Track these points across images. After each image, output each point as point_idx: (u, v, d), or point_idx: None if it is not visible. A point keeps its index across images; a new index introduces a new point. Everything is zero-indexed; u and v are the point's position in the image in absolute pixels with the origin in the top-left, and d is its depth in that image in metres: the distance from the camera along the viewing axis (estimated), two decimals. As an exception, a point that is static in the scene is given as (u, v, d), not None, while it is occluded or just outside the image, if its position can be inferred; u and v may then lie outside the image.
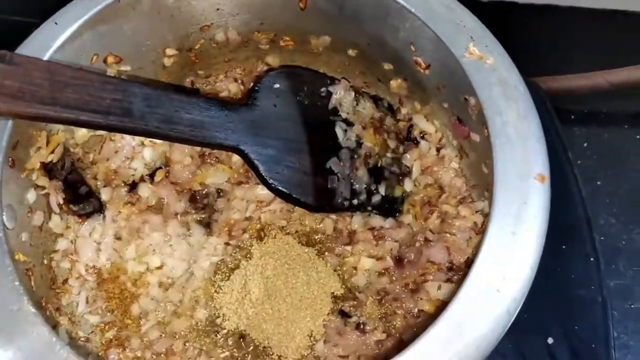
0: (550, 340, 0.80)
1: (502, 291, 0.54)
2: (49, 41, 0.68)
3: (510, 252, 0.55)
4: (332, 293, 0.77)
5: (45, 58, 0.67)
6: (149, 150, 0.86)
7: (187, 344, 0.75)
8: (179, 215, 0.83)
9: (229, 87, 0.90)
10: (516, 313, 0.53)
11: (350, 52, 0.85)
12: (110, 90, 0.64)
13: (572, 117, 1.09)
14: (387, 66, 0.83)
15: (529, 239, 0.56)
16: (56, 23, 0.68)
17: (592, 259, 0.87)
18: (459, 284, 0.66)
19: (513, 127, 0.60)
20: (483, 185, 0.76)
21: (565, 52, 1.10)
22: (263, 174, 0.72)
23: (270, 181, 0.73)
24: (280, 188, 0.73)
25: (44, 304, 0.69)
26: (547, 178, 0.57)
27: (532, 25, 1.09)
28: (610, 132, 1.08)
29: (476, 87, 0.63)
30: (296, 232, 0.83)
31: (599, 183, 1.03)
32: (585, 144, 1.06)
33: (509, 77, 0.63)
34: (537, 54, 1.02)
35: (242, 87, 0.90)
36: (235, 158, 0.85)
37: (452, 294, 0.65)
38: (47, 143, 0.73)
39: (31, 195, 0.72)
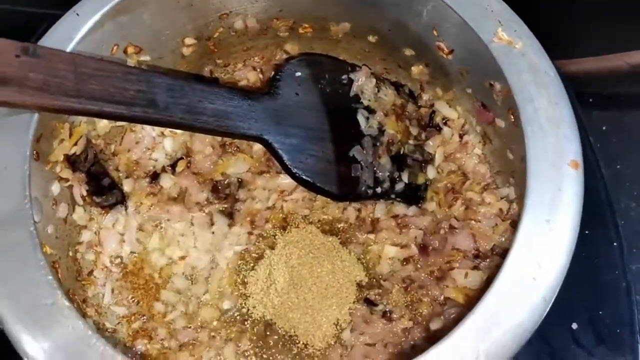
0: (574, 326, 0.80)
1: (538, 279, 0.53)
2: (71, 32, 0.68)
3: (545, 240, 0.55)
4: (357, 281, 0.77)
5: (68, 50, 0.67)
6: (170, 141, 0.86)
7: (213, 334, 0.76)
8: (201, 206, 0.83)
9: (248, 75, 0.89)
10: (552, 301, 0.53)
11: (371, 38, 0.84)
12: (134, 81, 0.64)
13: (591, 100, 1.07)
14: (409, 52, 0.82)
15: (563, 227, 0.55)
16: (78, 14, 0.68)
17: (615, 244, 0.86)
18: (492, 272, 0.66)
19: (545, 113, 0.59)
20: (508, 171, 0.75)
21: (584, 34, 1.09)
22: (287, 163, 0.72)
23: (294, 170, 0.72)
24: (304, 177, 0.73)
25: (71, 296, 0.69)
26: (581, 165, 0.57)
27: (550, 8, 1.07)
28: (629, 115, 1.06)
29: (506, 73, 0.62)
30: (319, 221, 0.82)
31: (618, 167, 1.02)
32: (604, 127, 1.05)
33: (539, 62, 0.62)
34: (555, 37, 1.00)
35: (260, 76, 0.89)
36: (256, 147, 0.85)
37: (483, 283, 0.66)
38: (70, 135, 0.73)
39: (55, 188, 0.72)
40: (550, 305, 0.53)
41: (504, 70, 0.62)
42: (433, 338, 0.69)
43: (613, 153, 1.02)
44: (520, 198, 0.70)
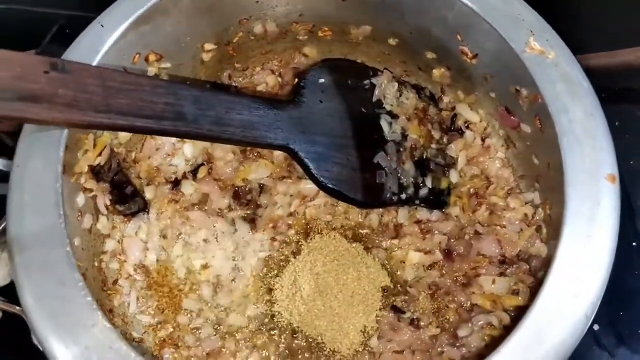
0: (596, 327, 0.80)
1: (580, 296, 0.53)
2: (97, 45, 0.67)
3: (586, 255, 0.55)
4: (382, 288, 0.77)
5: (95, 63, 0.66)
6: (190, 147, 0.85)
7: (239, 342, 0.76)
8: (223, 212, 0.83)
9: (267, 79, 0.88)
10: (593, 317, 0.53)
11: (391, 41, 0.83)
12: (162, 95, 0.63)
13: (604, 95, 1.06)
14: (430, 55, 0.82)
15: (603, 242, 0.55)
16: (102, 25, 0.67)
17: (634, 244, 0.86)
18: (520, 279, 0.67)
19: (580, 125, 0.59)
20: (533, 175, 0.75)
21: (597, 29, 1.08)
22: (314, 172, 0.72)
23: (321, 179, 0.72)
24: (330, 186, 0.73)
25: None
26: (617, 178, 0.57)
27: (564, 3, 1.06)
28: (642, 110, 1.06)
29: (539, 84, 0.62)
30: (342, 227, 0.82)
31: (632, 162, 1.02)
32: (617, 123, 1.04)
33: (572, 73, 0.62)
34: (569, 32, 1.00)
35: (279, 80, 0.88)
36: (277, 153, 0.84)
37: (510, 290, 0.66)
38: (94, 146, 0.73)
39: (80, 199, 0.71)
40: (591, 321, 0.53)
41: (537, 81, 0.62)
42: (461, 345, 0.70)
43: (626, 148, 1.01)
44: (546, 203, 0.71)
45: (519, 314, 0.60)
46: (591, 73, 0.99)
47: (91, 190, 0.73)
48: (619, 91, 1.08)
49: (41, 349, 0.55)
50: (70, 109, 0.58)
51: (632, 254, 0.85)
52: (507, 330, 0.63)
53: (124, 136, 0.79)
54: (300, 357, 0.75)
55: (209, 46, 0.82)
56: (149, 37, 0.74)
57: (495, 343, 0.54)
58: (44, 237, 0.58)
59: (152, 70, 0.77)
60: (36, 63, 0.58)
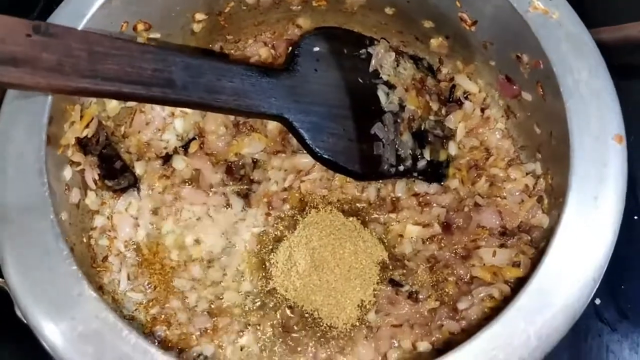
0: (597, 301, 0.79)
1: (587, 258, 0.52)
2: (82, 9, 0.64)
3: (593, 217, 0.53)
4: (380, 262, 0.76)
5: (80, 27, 0.64)
6: (180, 121, 0.83)
7: (234, 318, 0.74)
8: (215, 187, 0.81)
9: (259, 51, 0.86)
10: (600, 280, 0.51)
11: (388, 10, 0.81)
12: (151, 60, 0.61)
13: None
14: (428, 24, 0.80)
15: (611, 203, 0.54)
16: (88, -11, 0.64)
17: (635, 217, 0.85)
18: (521, 250, 0.65)
19: (585, 85, 0.57)
20: (534, 145, 0.73)
21: (601, 3, 1.06)
22: (308, 143, 0.70)
23: (316, 150, 0.70)
24: (326, 156, 0.71)
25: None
26: (624, 138, 0.55)
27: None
28: (643, 85, 1.04)
29: (543, 44, 0.60)
30: (338, 200, 0.80)
31: (632, 138, 1.00)
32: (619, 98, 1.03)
33: (577, 32, 0.60)
34: (572, 7, 0.98)
35: (272, 52, 0.86)
36: (271, 126, 0.82)
37: (511, 261, 0.65)
38: (81, 117, 0.70)
39: (67, 172, 0.69)
40: (598, 284, 0.51)
41: (541, 41, 0.60)
42: (461, 318, 0.68)
43: (629, 122, 1.00)
44: (547, 173, 0.69)
45: (520, 285, 0.59)
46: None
47: (78, 164, 0.71)
48: (623, 65, 1.06)
49: (25, 321, 0.53)
50: (53, 73, 0.56)
51: (634, 228, 0.84)
52: (508, 302, 0.61)
53: (112, 109, 0.77)
54: (296, 332, 0.73)
55: (199, 16, 0.79)
56: (137, 4, 0.71)
57: (496, 315, 0.52)
58: (27, 207, 0.56)
59: (140, 40, 0.74)
60: (18, 25, 0.55)
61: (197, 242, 0.78)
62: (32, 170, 0.58)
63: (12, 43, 0.54)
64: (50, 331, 0.52)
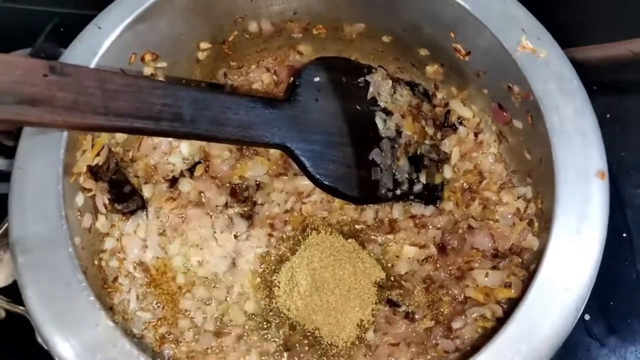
0: (587, 317, 0.82)
1: (571, 289, 0.55)
2: (94, 47, 0.67)
3: (576, 250, 0.57)
4: (378, 282, 0.79)
5: (92, 65, 0.67)
6: (186, 145, 0.86)
7: (238, 337, 0.77)
8: (220, 209, 0.84)
9: (262, 77, 0.89)
10: (582, 309, 0.55)
11: (385, 38, 0.84)
12: (160, 95, 0.64)
13: (595, 88, 1.07)
14: (423, 52, 0.83)
15: (593, 237, 0.57)
16: (99, 27, 0.67)
17: (624, 235, 0.88)
18: (512, 272, 0.68)
19: (571, 123, 0.61)
20: (524, 170, 0.76)
21: (587, 22, 1.09)
22: (310, 170, 0.73)
23: (317, 177, 0.73)
24: (326, 183, 0.74)
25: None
26: (606, 174, 0.58)
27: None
28: (633, 102, 1.07)
29: (530, 82, 0.63)
30: (337, 222, 0.84)
31: (622, 154, 1.03)
32: (608, 115, 1.05)
33: (563, 71, 0.63)
34: (559, 25, 1.01)
35: (274, 77, 0.89)
36: (273, 150, 0.85)
37: (503, 282, 0.68)
38: (92, 146, 0.73)
39: (79, 199, 0.72)
40: (580, 313, 0.55)
41: (529, 79, 0.63)
42: (455, 337, 0.72)
43: (617, 141, 1.03)
44: (537, 197, 0.72)
45: (512, 305, 0.62)
46: (582, 66, 1.00)
47: (90, 190, 0.74)
48: (611, 83, 1.09)
49: (45, 347, 0.57)
50: (69, 112, 0.59)
51: (622, 245, 0.87)
52: (500, 321, 0.65)
53: (121, 135, 0.80)
54: (298, 350, 0.76)
55: (204, 45, 0.82)
56: (145, 36, 0.74)
57: (488, 334, 0.56)
58: (46, 238, 0.59)
59: (147, 70, 0.77)
60: (35, 66, 0.58)
61: (202, 262, 0.81)
62: (50, 204, 0.61)
63: (31, 84, 0.56)
64: (70, 358, 0.55)
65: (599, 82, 1.08)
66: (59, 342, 0.56)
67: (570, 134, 0.60)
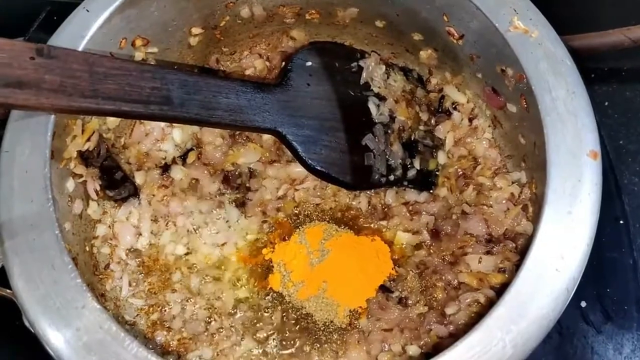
0: (583, 304, 0.82)
1: (561, 270, 0.54)
2: (82, 30, 0.67)
3: (567, 231, 0.56)
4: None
5: (80, 48, 0.66)
6: (178, 132, 0.85)
7: (231, 323, 0.77)
8: (213, 196, 0.83)
9: (254, 63, 0.88)
10: (574, 291, 0.54)
11: (378, 23, 0.84)
12: (149, 79, 0.63)
13: (593, 75, 1.07)
14: (417, 37, 0.82)
15: (584, 218, 0.56)
16: (88, 10, 0.67)
17: (621, 222, 0.88)
18: (506, 257, 0.68)
19: (563, 103, 0.60)
20: (519, 155, 0.76)
21: (585, 9, 1.08)
22: (301, 155, 0.72)
23: (309, 162, 0.73)
24: (318, 168, 0.73)
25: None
26: (599, 154, 0.58)
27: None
28: (631, 90, 1.06)
29: (522, 63, 0.62)
30: (330, 209, 0.83)
31: (621, 142, 1.02)
32: (606, 103, 1.05)
33: (556, 51, 0.62)
34: (556, 13, 1.00)
35: (267, 63, 0.89)
36: (266, 137, 0.85)
37: (496, 267, 0.68)
38: (82, 131, 0.73)
39: (70, 185, 0.72)
40: (572, 295, 0.54)
41: (521, 60, 0.63)
42: (449, 322, 0.71)
43: (615, 129, 1.02)
44: (532, 182, 0.72)
45: (505, 290, 0.61)
46: (580, 53, 1.00)
47: (80, 176, 0.73)
48: (608, 71, 1.08)
49: (32, 330, 0.56)
50: (56, 94, 0.58)
51: (619, 231, 0.86)
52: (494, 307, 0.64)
53: (113, 121, 0.79)
54: (291, 335, 0.76)
55: (195, 30, 0.82)
56: (135, 21, 0.74)
57: (481, 319, 0.55)
58: (33, 222, 0.59)
59: (138, 55, 0.77)
60: (22, 49, 0.58)
61: (195, 248, 0.81)
62: (37, 187, 0.61)
63: (17, 67, 0.56)
64: (57, 340, 0.55)
65: (597, 70, 1.07)
66: (46, 325, 0.55)
67: (562, 114, 0.60)
